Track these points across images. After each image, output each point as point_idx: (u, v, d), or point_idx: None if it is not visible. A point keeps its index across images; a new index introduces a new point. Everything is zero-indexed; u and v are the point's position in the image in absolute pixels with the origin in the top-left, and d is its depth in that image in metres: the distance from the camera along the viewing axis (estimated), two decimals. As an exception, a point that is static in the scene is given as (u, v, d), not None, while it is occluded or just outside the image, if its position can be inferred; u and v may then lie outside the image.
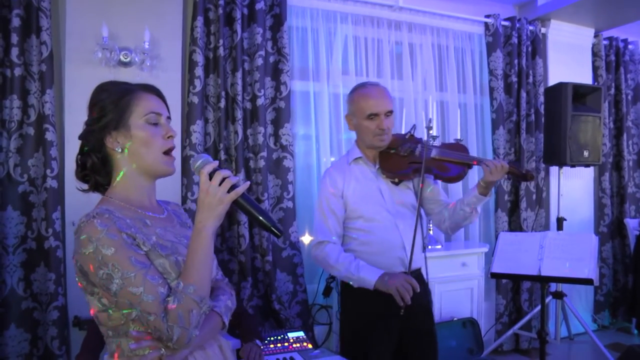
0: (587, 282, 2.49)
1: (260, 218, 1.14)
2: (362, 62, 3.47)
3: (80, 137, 1.25)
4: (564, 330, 4.02)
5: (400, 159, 2.01)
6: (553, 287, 3.72)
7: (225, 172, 1.12)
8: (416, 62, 3.64)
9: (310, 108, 3.35)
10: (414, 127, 2.10)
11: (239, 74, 2.98)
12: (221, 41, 2.95)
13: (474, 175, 3.65)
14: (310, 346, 2.40)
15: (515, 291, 3.86)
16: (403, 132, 3.08)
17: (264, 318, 3.13)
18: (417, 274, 2.05)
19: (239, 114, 2.99)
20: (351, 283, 1.94)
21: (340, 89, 3.37)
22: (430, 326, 2.07)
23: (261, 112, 3.05)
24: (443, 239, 3.57)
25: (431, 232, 3.39)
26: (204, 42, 2.97)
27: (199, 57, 2.92)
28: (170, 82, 2.86)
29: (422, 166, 1.93)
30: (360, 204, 1.99)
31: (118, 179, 1.22)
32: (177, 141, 2.74)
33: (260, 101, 3.04)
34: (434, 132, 3.19)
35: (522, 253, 2.66)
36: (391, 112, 2.00)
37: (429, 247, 3.27)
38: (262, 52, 3.05)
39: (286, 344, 2.40)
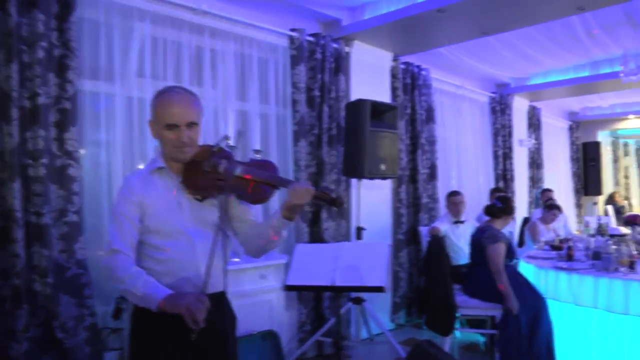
0: (378, 289, 2.86)
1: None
2: (159, 64, 3.68)
3: None
4: (365, 332, 4.72)
5: (205, 174, 2.01)
6: (354, 293, 4.35)
7: None
8: (218, 70, 3.99)
9: (100, 111, 3.44)
10: (224, 137, 2.11)
11: (14, 66, 2.88)
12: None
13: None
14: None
15: (317, 300, 4.45)
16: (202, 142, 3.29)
17: (43, 351, 3.04)
18: (217, 298, 2.06)
19: (14, 114, 2.90)
20: (134, 301, 1.96)
21: (134, 92, 3.54)
22: (227, 351, 2.13)
23: (43, 113, 2.99)
24: (242, 251, 3.88)
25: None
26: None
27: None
28: None
29: (226, 184, 1.97)
30: (157, 219, 1.99)
31: None
32: None
33: (41, 100, 2.98)
34: (232, 142, 3.52)
35: (317, 264, 3.01)
36: (195, 123, 1.99)
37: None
38: (45, 44, 2.99)
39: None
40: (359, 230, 4.50)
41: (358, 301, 4.39)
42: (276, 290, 3.88)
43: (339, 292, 2.99)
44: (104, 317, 3.33)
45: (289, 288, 2.88)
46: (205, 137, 3.40)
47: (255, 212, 2.19)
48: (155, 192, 2.02)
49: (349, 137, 4.47)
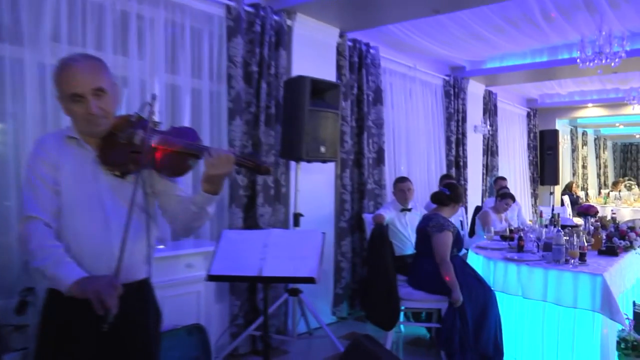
0: (309, 280, 2.84)
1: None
2: (77, 28, 3.53)
3: None
4: (304, 325, 4.75)
5: (121, 146, 1.96)
6: (290, 284, 4.34)
7: None
8: (145, 38, 3.88)
9: (5, 78, 3.25)
10: (146, 105, 2.01)
11: None
12: None
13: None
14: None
15: (251, 291, 4.43)
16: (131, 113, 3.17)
17: None
18: (139, 287, 2.03)
19: None
20: (46, 283, 1.89)
21: (47, 59, 3.36)
22: (147, 346, 2.08)
23: None
24: (169, 237, 3.83)
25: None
26: None
27: None
28: None
29: (142, 156, 1.92)
30: (70, 194, 1.92)
31: None
32: None
33: None
34: (157, 117, 3.42)
35: (244, 252, 2.92)
36: (103, 90, 1.90)
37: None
38: None
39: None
40: (297, 216, 4.50)
41: (295, 292, 4.39)
42: (205, 280, 3.81)
43: (266, 283, 2.96)
44: (5, 312, 3.17)
45: (211, 278, 2.82)
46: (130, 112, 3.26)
47: (181, 186, 2.14)
48: (71, 162, 1.95)
49: (287, 116, 4.45)
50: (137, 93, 3.82)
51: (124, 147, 1.96)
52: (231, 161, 1.90)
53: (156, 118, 3.44)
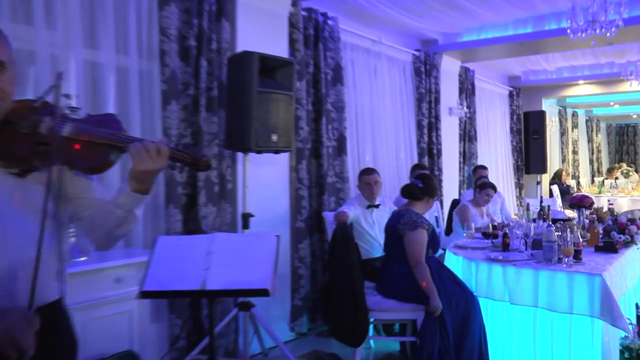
0: (262, 293, 2.82)
1: None
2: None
3: None
4: (258, 345, 4.78)
5: (21, 137, 1.86)
6: (239, 297, 4.34)
7: None
8: (55, 4, 3.76)
9: None
10: (52, 87, 1.87)
11: None
12: None
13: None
14: None
15: (195, 307, 4.42)
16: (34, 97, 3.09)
17: None
18: (49, 311, 1.91)
19: None
20: None
21: None
22: None
23: None
24: (91, 245, 3.74)
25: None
26: None
27: None
28: None
29: (51, 149, 1.80)
30: None
31: None
32: None
33: None
34: (74, 102, 3.37)
35: (184, 262, 2.84)
36: (2, 64, 1.80)
37: (71, 259, 3.41)
38: None
39: None
40: (246, 217, 4.50)
41: (246, 307, 4.40)
42: (137, 297, 3.75)
43: (211, 298, 2.93)
44: None
45: (145, 295, 2.75)
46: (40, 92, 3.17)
47: (99, 186, 2.07)
48: None
49: (233, 99, 4.44)
50: (47, 72, 3.67)
51: (25, 138, 1.85)
52: (164, 154, 1.86)
53: (73, 103, 3.40)
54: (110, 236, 2.03)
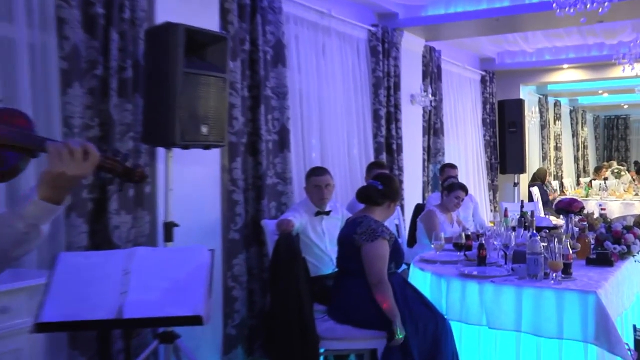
0: (194, 321, 2.76)
1: None
2: None
3: None
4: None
5: None
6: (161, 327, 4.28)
7: None
8: None
9: None
10: None
11: None
12: None
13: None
14: None
15: (104, 340, 4.36)
16: None
17: None
18: None
19: None
20: None
21: None
22: None
23: None
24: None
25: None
26: None
27: None
28: None
29: None
30: None
31: None
32: None
33: None
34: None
35: (94, 285, 2.79)
36: None
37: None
38: None
39: None
40: (169, 227, 4.45)
41: (168, 338, 4.34)
42: (31, 332, 3.65)
43: (129, 328, 2.88)
44: None
45: (41, 328, 2.67)
46: None
47: None
48: None
49: (152, 82, 4.39)
50: None
51: None
52: (93, 160, 1.88)
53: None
54: (6, 258, 1.99)
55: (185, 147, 4.47)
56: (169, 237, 4.47)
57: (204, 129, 4.45)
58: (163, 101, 4.30)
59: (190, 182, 5.05)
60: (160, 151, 4.77)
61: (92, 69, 4.39)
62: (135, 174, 1.98)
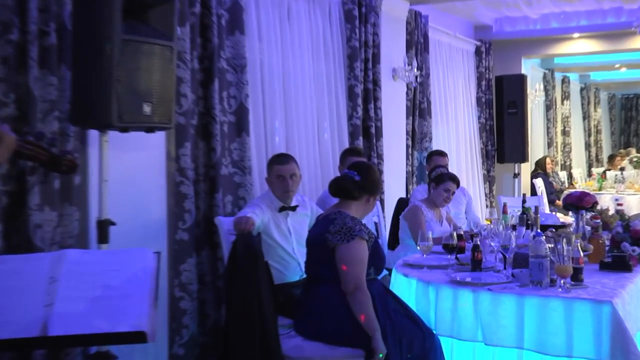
0: (136, 337, 2.73)
1: None
2: None
3: None
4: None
5: None
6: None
7: None
8: None
9: None
10: None
11: None
12: None
13: None
14: None
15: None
16: None
17: None
18: None
19: None
20: None
21: None
22: None
23: None
24: None
25: None
26: None
27: None
28: None
29: None
30: None
31: None
32: None
33: None
34: None
35: (12, 296, 2.78)
36: None
37: None
38: None
39: None
40: (104, 226, 4.39)
41: (103, 359, 4.28)
42: None
43: (55, 348, 2.85)
44: None
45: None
46: None
47: None
48: None
49: (82, 51, 4.31)
50: None
51: None
52: (8, 146, 1.92)
53: None
54: None
55: (124, 130, 4.40)
56: (103, 238, 4.39)
57: (146, 108, 4.38)
58: (96, 74, 4.21)
59: (130, 172, 5.02)
60: (93, 134, 4.72)
61: (5, 32, 4.31)
62: (62, 162, 1.99)
